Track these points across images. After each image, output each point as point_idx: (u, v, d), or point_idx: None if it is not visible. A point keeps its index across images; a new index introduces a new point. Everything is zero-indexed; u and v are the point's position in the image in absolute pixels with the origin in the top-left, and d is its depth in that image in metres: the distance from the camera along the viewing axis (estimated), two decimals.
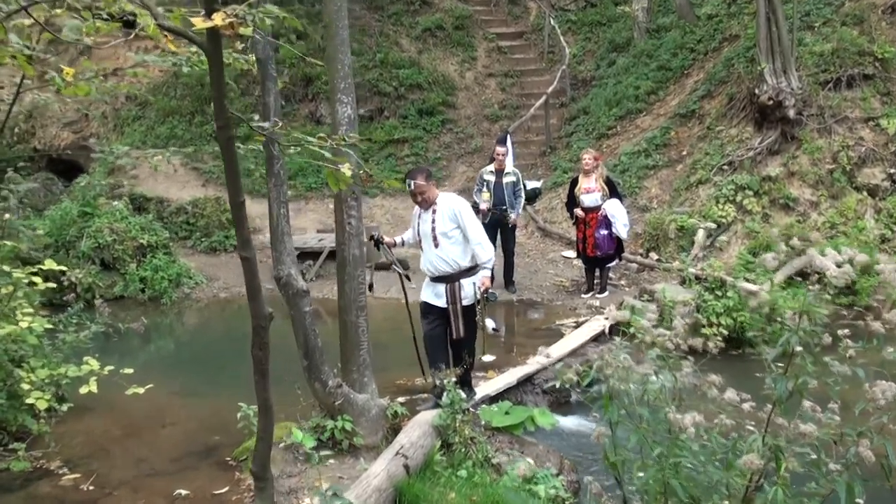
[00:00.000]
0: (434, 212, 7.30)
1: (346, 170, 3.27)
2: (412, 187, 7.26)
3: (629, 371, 3.86)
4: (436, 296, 7.37)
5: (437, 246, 7.27)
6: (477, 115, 19.71)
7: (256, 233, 14.59)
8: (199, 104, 18.62)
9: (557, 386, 7.03)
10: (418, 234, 7.51)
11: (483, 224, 11.87)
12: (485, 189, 11.89)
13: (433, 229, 7.27)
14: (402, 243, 7.85)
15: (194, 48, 5.85)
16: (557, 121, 18.94)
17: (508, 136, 15.65)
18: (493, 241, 12.06)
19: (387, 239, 7.78)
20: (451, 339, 7.41)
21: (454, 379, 6.73)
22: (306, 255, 14.13)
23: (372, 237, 7.66)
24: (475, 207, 11.98)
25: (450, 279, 7.27)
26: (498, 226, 12.00)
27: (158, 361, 10.74)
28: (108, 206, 13.77)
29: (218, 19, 2.43)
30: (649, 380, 3.84)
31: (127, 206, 14.14)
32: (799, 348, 3.67)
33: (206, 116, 18.20)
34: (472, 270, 7.30)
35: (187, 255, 14.79)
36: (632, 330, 4.16)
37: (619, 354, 3.90)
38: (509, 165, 12.24)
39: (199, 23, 2.48)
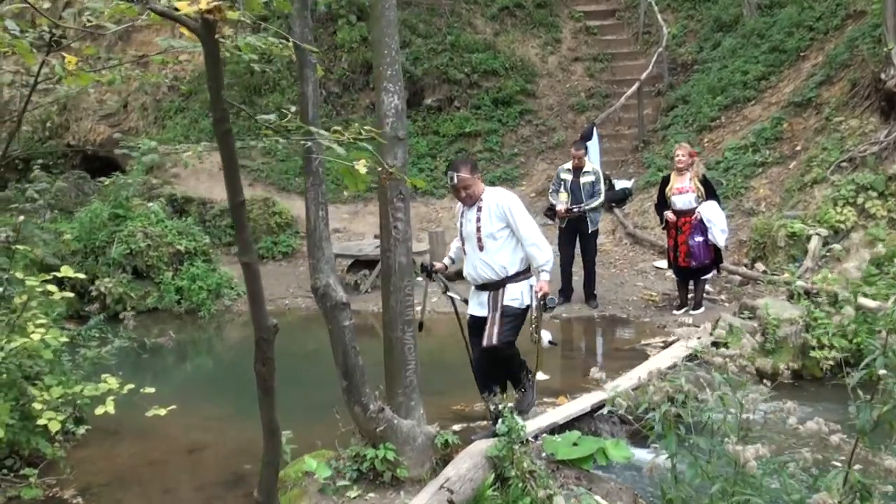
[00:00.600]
0: (479, 209, 7.14)
1: (360, 167, 3.35)
2: (454, 181, 7.12)
3: (688, 397, 3.87)
4: (480, 306, 7.26)
5: (481, 249, 7.12)
6: (560, 104, 19.68)
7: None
8: (248, 94, 18.92)
9: (605, 412, 6.99)
10: (462, 236, 7.41)
11: (560, 229, 12.02)
12: (562, 189, 11.86)
13: (478, 229, 7.12)
14: (452, 262, 7.79)
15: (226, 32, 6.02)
16: (652, 111, 18.81)
17: (595, 130, 15.65)
18: (572, 248, 12.09)
19: (437, 265, 7.76)
20: (488, 352, 7.20)
21: (511, 405, 6.71)
22: (361, 263, 14.21)
23: (423, 267, 7.67)
24: (551, 210, 12.00)
25: (494, 286, 7.14)
26: (576, 231, 12.01)
27: (193, 380, 11.01)
28: (143, 208, 13.96)
29: (203, 2, 2.54)
30: (709, 407, 3.83)
31: (163, 207, 14.35)
32: (883, 371, 3.63)
33: (254, 108, 18.40)
34: (520, 276, 7.14)
35: (231, 263, 14.90)
36: (695, 350, 4.17)
37: (678, 379, 3.92)
38: (592, 163, 12.21)
39: (185, 6, 2.60)
